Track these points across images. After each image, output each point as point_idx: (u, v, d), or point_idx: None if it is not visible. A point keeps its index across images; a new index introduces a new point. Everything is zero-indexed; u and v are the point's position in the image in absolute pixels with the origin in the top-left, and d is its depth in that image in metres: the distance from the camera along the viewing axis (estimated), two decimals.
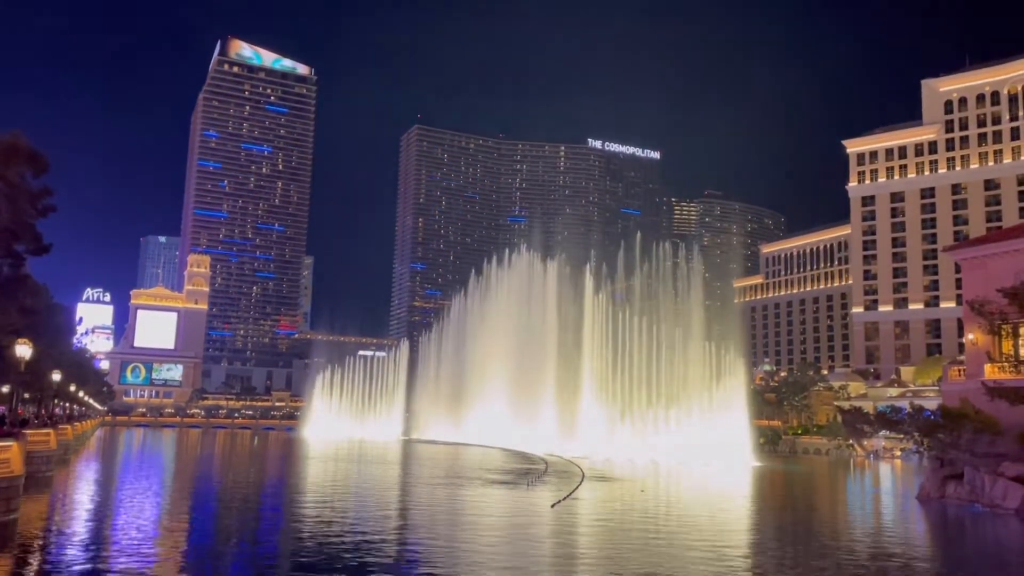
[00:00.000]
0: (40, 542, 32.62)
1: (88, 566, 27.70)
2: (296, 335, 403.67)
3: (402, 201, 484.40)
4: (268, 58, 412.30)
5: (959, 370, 66.13)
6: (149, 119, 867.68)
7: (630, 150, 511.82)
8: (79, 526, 38.13)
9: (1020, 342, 58.94)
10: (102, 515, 41.94)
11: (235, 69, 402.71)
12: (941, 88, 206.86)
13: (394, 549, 33.37)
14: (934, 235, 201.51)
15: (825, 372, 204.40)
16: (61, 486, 55.50)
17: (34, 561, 29.15)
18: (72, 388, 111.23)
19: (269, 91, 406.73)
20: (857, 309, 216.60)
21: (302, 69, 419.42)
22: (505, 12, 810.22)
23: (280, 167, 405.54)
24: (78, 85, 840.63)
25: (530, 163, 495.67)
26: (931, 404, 74.56)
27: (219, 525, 41.45)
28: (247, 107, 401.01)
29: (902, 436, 78.36)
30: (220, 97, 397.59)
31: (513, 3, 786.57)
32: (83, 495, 52.42)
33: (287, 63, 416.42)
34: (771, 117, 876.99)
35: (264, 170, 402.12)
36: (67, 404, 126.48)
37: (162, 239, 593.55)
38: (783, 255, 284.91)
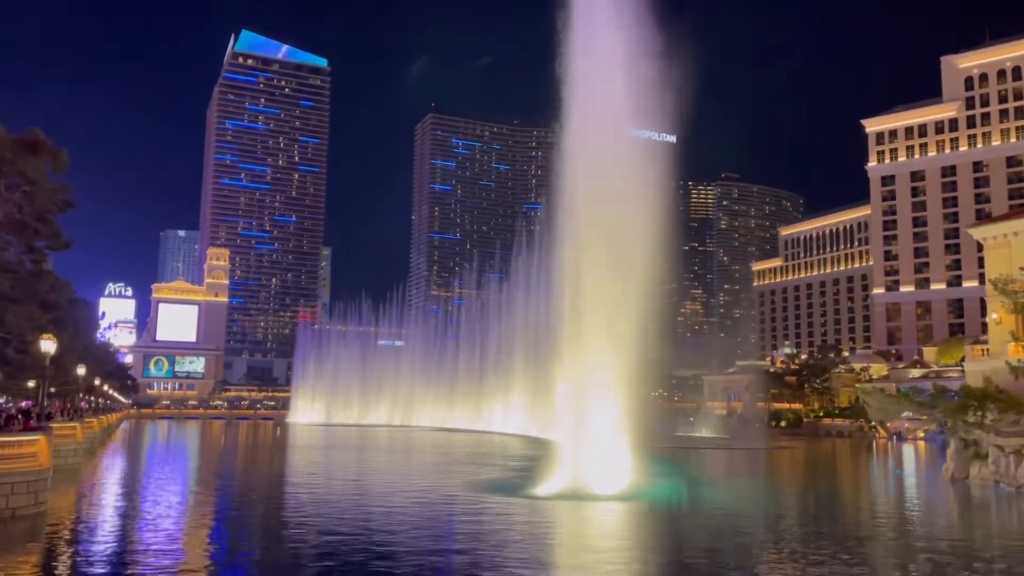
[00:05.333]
0: (68, 534, 33.06)
1: (116, 557, 28.07)
2: (316, 326, 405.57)
3: (418, 190, 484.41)
4: (282, 49, 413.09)
5: (982, 350, 65.53)
6: (165, 113, 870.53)
7: (645, 134, 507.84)
8: (106, 518, 38.61)
9: None
10: (129, 507, 42.44)
11: (250, 61, 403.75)
12: (961, 64, 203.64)
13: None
14: (955, 214, 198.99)
15: (846, 354, 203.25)
16: (88, 479, 56.21)
17: (63, 552, 29.56)
18: (97, 382, 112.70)
19: (284, 82, 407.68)
20: (878, 290, 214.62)
21: (316, 60, 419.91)
22: None
23: (296, 158, 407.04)
24: (93, 79, 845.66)
25: (546, 149, 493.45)
26: (955, 385, 73.84)
27: (244, 518, 41.86)
28: (262, 99, 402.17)
29: (925, 417, 77.77)
30: (235, 89, 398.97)
31: None
32: (110, 487, 53.09)
33: (301, 54, 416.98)
34: (789, 97, 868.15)
35: (280, 162, 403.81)
36: (92, 398, 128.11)
37: (181, 233, 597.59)
38: (802, 237, 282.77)
